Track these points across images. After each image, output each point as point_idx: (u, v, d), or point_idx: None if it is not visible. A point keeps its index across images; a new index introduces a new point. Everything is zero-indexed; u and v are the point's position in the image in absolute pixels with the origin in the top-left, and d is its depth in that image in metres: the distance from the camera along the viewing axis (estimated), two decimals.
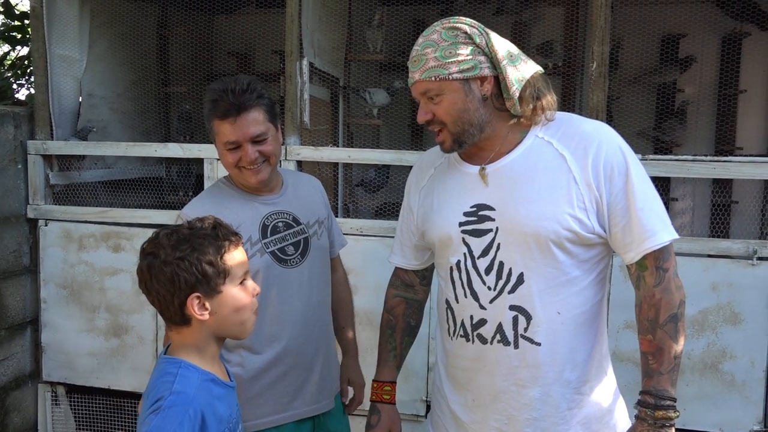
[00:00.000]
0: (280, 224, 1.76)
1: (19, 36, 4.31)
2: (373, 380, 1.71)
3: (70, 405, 3.14)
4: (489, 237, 1.42)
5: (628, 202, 1.35)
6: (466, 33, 1.36)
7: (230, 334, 1.39)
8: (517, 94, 1.37)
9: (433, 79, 1.37)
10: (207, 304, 1.30)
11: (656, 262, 1.36)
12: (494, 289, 1.41)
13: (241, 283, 1.35)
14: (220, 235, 1.34)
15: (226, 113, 1.64)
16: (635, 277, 1.40)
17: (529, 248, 1.38)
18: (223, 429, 1.31)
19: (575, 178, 1.36)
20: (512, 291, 1.40)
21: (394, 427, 1.68)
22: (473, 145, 1.44)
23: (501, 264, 1.40)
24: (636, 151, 1.45)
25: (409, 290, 1.72)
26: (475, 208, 1.44)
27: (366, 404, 2.08)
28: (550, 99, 1.42)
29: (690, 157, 2.49)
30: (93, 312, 3.01)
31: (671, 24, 3.45)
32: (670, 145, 3.41)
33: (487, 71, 1.37)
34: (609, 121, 3.25)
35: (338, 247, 2.01)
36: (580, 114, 1.55)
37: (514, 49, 1.41)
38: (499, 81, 1.39)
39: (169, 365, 1.31)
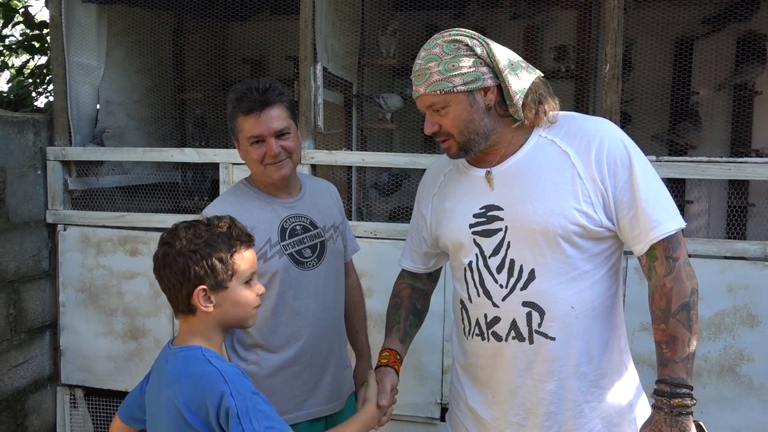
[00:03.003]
0: (298, 227, 1.79)
1: (38, 45, 4.39)
2: None
3: (88, 407, 3.18)
4: (499, 236, 1.44)
5: (633, 195, 1.37)
6: (467, 45, 1.39)
7: (233, 326, 1.45)
8: (521, 102, 1.40)
9: (438, 92, 1.39)
10: (212, 297, 1.36)
11: (665, 251, 1.37)
12: (506, 287, 1.43)
13: (248, 281, 1.41)
14: (234, 234, 1.39)
15: (251, 108, 1.69)
16: (646, 268, 1.41)
17: (538, 244, 1.40)
18: None
19: (579, 173, 1.38)
20: (524, 287, 1.42)
21: (384, 378, 1.55)
22: (479, 152, 1.47)
23: (512, 261, 1.43)
24: (651, 154, 1.46)
25: (417, 281, 1.75)
26: (484, 210, 1.47)
27: None
28: (552, 102, 1.45)
29: (705, 159, 2.47)
30: (111, 315, 3.05)
31: (684, 26, 3.44)
32: (684, 148, 3.39)
33: (489, 81, 1.39)
34: (625, 123, 3.25)
35: (351, 253, 2.03)
36: (595, 116, 1.56)
37: (514, 56, 1.44)
38: (501, 89, 1.41)
39: (189, 351, 1.36)
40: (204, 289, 1.35)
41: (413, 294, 1.73)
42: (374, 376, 1.55)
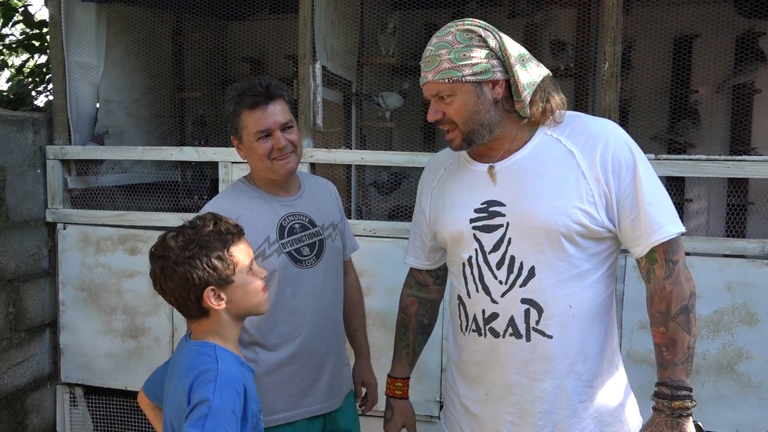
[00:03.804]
0: (297, 226, 1.79)
1: (37, 44, 4.39)
2: (388, 375, 1.76)
3: (88, 406, 3.18)
4: (500, 232, 1.44)
5: (636, 197, 1.37)
6: (480, 36, 1.38)
7: (249, 315, 1.46)
8: (529, 99, 1.40)
9: (446, 80, 1.39)
10: (222, 294, 1.37)
11: (665, 254, 1.38)
12: (505, 283, 1.43)
13: (250, 269, 1.42)
14: (223, 229, 1.40)
15: (256, 103, 1.70)
16: (645, 270, 1.42)
17: (540, 242, 1.40)
18: (255, 408, 1.39)
19: (584, 173, 1.39)
20: (524, 284, 1.42)
21: (407, 420, 1.72)
22: (482, 145, 1.46)
23: (512, 258, 1.43)
24: (650, 152, 1.46)
25: (423, 290, 1.74)
26: (485, 205, 1.46)
27: (380, 405, 2.10)
28: (559, 100, 1.45)
29: (704, 157, 2.47)
30: (110, 314, 3.05)
31: (684, 24, 3.44)
32: (684, 146, 3.39)
33: (499, 75, 1.39)
34: (624, 122, 3.25)
35: (350, 251, 2.03)
36: (593, 115, 1.56)
37: (525, 52, 1.43)
38: (509, 84, 1.41)
39: (203, 347, 1.38)
40: (213, 289, 1.36)
41: (420, 309, 1.73)
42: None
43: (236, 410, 1.29)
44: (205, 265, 1.34)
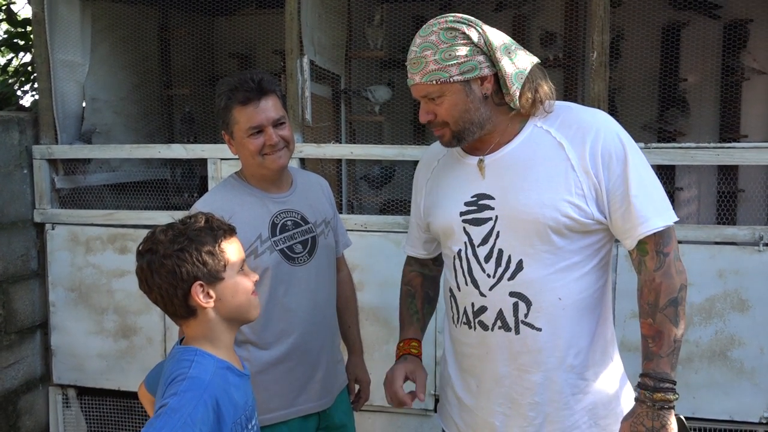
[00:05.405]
0: (289, 223, 1.78)
1: (22, 43, 4.34)
2: (399, 341, 1.67)
3: (81, 407, 3.16)
4: (488, 225, 1.44)
5: (625, 189, 1.36)
6: (464, 33, 1.36)
7: (238, 318, 1.40)
8: (518, 93, 1.39)
9: (434, 82, 1.37)
10: (211, 292, 1.33)
11: (656, 246, 1.37)
12: (493, 277, 1.43)
13: (241, 269, 1.39)
14: (215, 226, 1.36)
15: (248, 98, 1.67)
16: (637, 262, 1.42)
17: (528, 235, 1.39)
18: (239, 416, 1.33)
19: (573, 165, 1.38)
20: (512, 278, 1.41)
21: (418, 371, 1.58)
22: (473, 141, 1.45)
23: (500, 251, 1.42)
24: (639, 141, 1.46)
25: (425, 268, 1.75)
26: (475, 198, 1.46)
27: (374, 399, 2.10)
28: (547, 89, 1.43)
29: (693, 145, 2.48)
30: (101, 314, 3.03)
31: (672, 13, 3.44)
32: (674, 135, 3.40)
33: (486, 71, 1.37)
34: (613, 112, 3.25)
35: (342, 248, 2.02)
36: (583, 105, 1.55)
37: (509, 42, 1.41)
38: (498, 77, 1.39)
39: (184, 353, 1.33)
40: (201, 284, 1.31)
41: (425, 282, 1.73)
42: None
43: (195, 415, 1.21)
44: (194, 259, 1.30)
